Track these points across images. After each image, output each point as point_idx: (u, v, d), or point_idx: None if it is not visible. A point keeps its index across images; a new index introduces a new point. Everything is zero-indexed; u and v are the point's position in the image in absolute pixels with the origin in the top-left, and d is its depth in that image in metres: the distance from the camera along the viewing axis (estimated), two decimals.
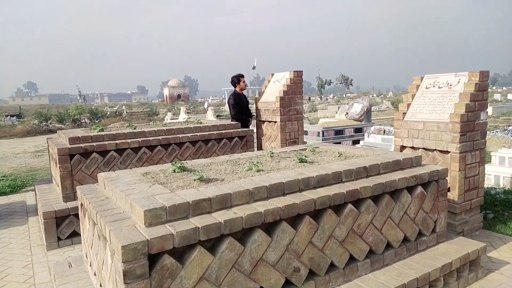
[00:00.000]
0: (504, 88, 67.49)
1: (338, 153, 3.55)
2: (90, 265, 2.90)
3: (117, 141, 4.90)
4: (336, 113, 14.60)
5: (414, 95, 4.72)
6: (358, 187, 2.74)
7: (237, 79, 6.75)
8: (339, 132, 10.28)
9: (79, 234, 4.47)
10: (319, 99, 50.89)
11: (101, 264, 2.48)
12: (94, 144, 4.76)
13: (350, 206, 2.70)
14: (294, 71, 6.61)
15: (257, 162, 3.03)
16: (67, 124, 23.83)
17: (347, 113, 11.41)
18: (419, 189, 3.13)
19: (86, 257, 3.07)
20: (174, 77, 66.18)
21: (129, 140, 4.97)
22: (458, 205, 4.12)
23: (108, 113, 31.47)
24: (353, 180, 2.91)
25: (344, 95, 58.14)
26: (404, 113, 4.66)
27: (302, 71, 6.73)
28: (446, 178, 3.36)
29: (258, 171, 2.95)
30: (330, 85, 70.92)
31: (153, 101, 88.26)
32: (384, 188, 2.87)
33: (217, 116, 17.53)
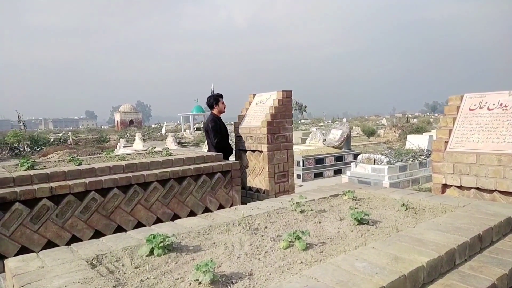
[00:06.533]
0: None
1: (403, 204, 2.33)
2: None
3: (53, 184, 3.38)
4: (307, 139, 13.63)
5: (455, 119, 3.70)
6: (494, 279, 1.52)
7: (215, 100, 5.35)
8: (319, 161, 9.20)
9: None
10: None
11: None
12: (17, 190, 3.21)
13: None
14: (283, 91, 5.47)
15: (300, 232, 1.73)
16: (3, 153, 21.04)
17: (324, 140, 10.42)
18: None
19: None
20: (126, 102, 63.07)
21: (70, 182, 3.44)
22: None
23: (52, 140, 28.55)
24: (466, 260, 1.70)
25: (299, 121, 58.24)
26: (446, 142, 3.60)
27: (291, 91, 5.63)
28: None
29: (305, 249, 1.66)
30: None
31: (102, 127, 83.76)
32: None
33: (178, 143, 15.97)
